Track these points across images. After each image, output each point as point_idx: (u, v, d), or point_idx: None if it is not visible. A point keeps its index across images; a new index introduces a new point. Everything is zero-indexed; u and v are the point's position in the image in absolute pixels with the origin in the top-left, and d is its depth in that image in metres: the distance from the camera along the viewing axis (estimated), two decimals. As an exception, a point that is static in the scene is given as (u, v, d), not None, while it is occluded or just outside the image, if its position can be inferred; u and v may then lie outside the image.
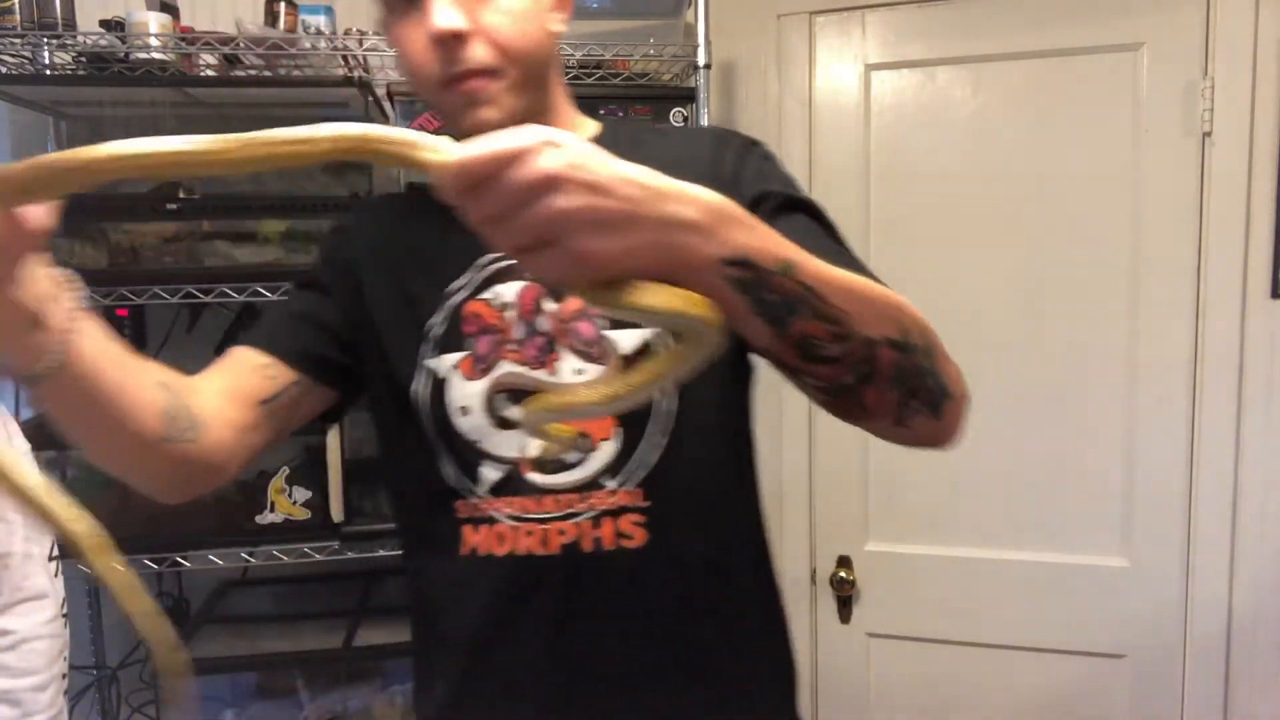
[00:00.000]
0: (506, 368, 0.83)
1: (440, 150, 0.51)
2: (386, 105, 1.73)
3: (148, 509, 1.61)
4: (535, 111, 0.85)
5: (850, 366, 0.63)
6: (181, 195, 1.55)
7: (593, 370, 0.82)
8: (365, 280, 0.90)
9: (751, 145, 0.90)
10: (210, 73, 1.71)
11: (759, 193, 0.83)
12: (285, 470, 1.61)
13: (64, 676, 1.15)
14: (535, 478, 0.82)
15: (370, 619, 1.76)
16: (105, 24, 1.62)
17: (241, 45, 1.61)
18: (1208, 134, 1.65)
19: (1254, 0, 1.60)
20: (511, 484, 0.82)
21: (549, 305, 0.83)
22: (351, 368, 0.90)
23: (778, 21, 1.87)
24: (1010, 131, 1.76)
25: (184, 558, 1.61)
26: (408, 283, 0.88)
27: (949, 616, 1.84)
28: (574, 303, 0.83)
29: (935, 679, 1.87)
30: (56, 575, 1.16)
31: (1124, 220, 1.71)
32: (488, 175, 0.49)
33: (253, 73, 1.69)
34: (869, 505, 1.88)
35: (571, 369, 0.82)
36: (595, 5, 1.81)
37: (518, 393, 0.82)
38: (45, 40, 1.61)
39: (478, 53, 0.80)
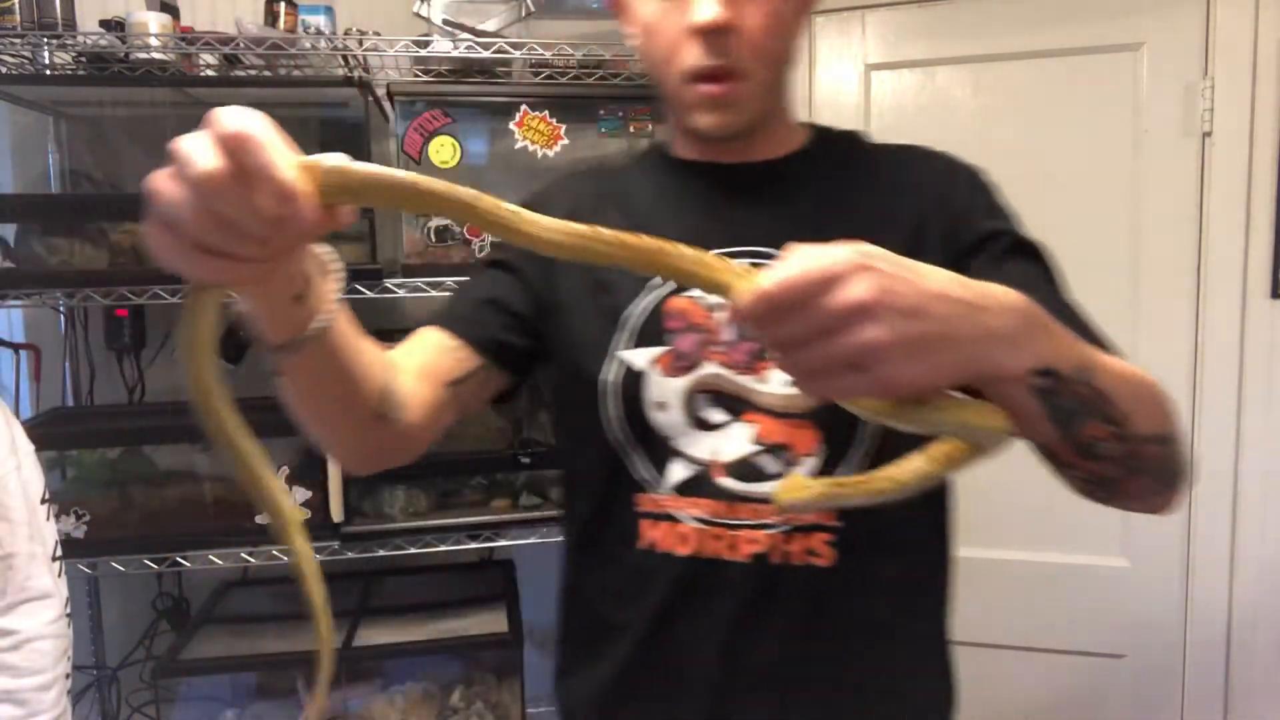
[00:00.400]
0: (710, 369, 0.81)
1: (740, 274, 0.51)
2: (386, 105, 1.74)
3: (148, 509, 1.61)
4: (767, 117, 0.85)
5: (1121, 463, 0.63)
6: (181, 195, 1.55)
7: None
8: (557, 261, 0.89)
9: (978, 178, 0.89)
10: (210, 73, 1.71)
11: (991, 231, 0.82)
12: (285, 470, 1.61)
13: (68, 676, 1.15)
14: (729, 483, 0.80)
15: (370, 619, 1.76)
16: (105, 24, 1.62)
17: (241, 45, 1.61)
18: (1208, 134, 1.65)
19: (1254, 0, 1.60)
20: (700, 485, 0.81)
21: None
22: (532, 352, 0.89)
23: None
24: (1010, 131, 1.76)
25: (184, 558, 1.61)
26: (604, 269, 0.85)
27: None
28: None
29: (935, 679, 1.87)
30: (60, 575, 1.16)
31: (1124, 220, 1.71)
32: (794, 303, 0.48)
33: (253, 73, 1.69)
34: (869, 505, 1.88)
35: (782, 378, 0.80)
36: (595, 5, 1.82)
37: (718, 394, 0.81)
38: (45, 40, 1.61)
39: (735, 50, 0.78)
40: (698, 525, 0.81)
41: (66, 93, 1.74)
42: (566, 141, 1.64)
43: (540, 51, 1.69)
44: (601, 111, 1.70)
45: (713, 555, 0.80)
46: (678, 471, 0.82)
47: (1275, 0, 1.60)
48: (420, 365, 0.82)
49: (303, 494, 1.62)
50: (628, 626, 0.85)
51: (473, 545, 1.72)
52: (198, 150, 0.43)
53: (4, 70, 1.64)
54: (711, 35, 0.77)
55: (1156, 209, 1.69)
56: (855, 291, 0.48)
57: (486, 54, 1.67)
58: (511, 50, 1.68)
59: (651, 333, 0.83)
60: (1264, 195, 1.63)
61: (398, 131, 1.63)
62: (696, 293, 0.83)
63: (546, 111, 1.64)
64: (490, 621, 1.74)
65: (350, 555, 1.66)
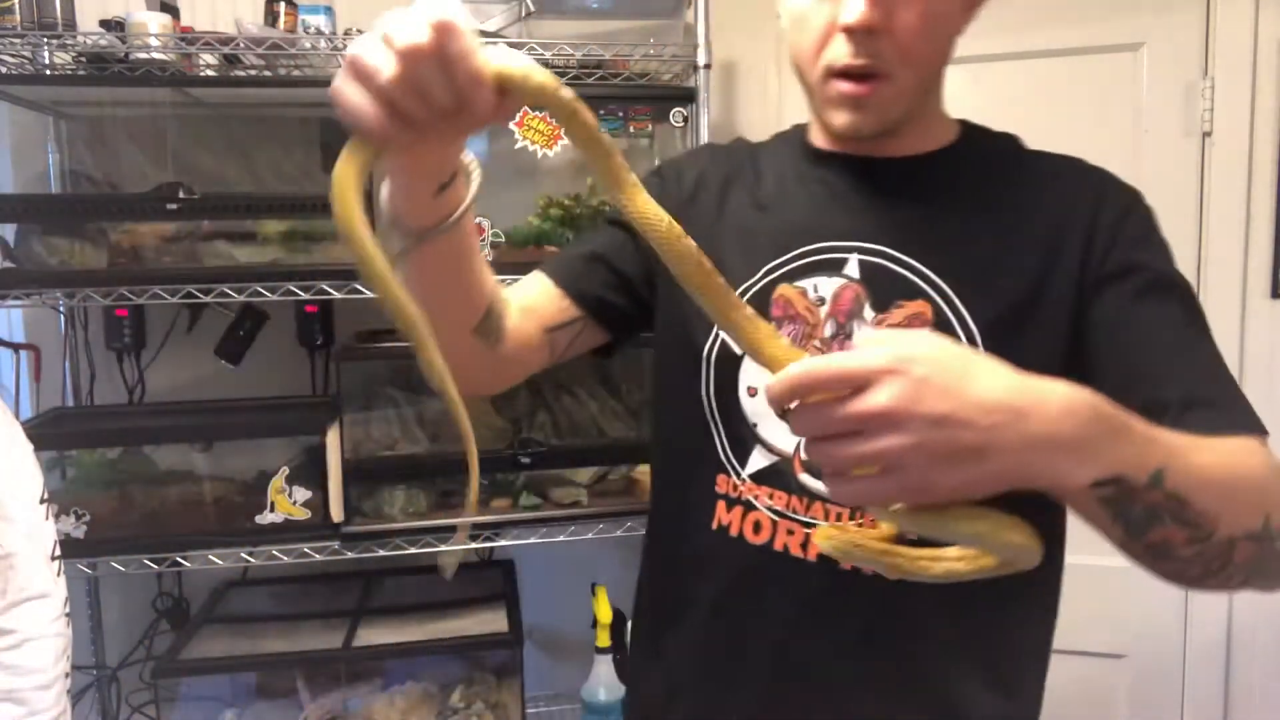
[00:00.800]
0: None
1: (786, 351, 0.54)
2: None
3: (148, 509, 1.61)
4: (910, 119, 0.82)
5: (1200, 564, 0.60)
6: (181, 195, 1.55)
7: None
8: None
9: (1134, 202, 0.84)
10: (210, 73, 1.71)
11: (1132, 262, 0.78)
12: (285, 470, 1.60)
13: (67, 675, 1.15)
14: (807, 479, 0.79)
15: (370, 619, 1.76)
16: (105, 24, 1.62)
17: (241, 45, 1.61)
18: (1208, 134, 1.65)
19: (1254, 0, 1.60)
20: (776, 476, 0.80)
21: (868, 312, 0.79)
22: (633, 315, 0.90)
23: (778, 21, 1.86)
24: (1010, 131, 1.76)
25: (184, 558, 1.61)
26: (721, 246, 0.85)
27: (949, 616, 1.84)
28: (894, 315, 0.78)
29: (935, 679, 1.87)
30: (59, 575, 1.16)
31: (1124, 220, 1.71)
32: (822, 394, 0.49)
33: (253, 73, 1.69)
34: (869, 505, 1.88)
35: None
36: (595, 5, 1.82)
37: None
38: (45, 40, 1.61)
39: (882, 51, 0.76)
40: (771, 515, 0.80)
41: (66, 93, 1.73)
42: (566, 141, 1.64)
43: (540, 51, 1.68)
44: (601, 111, 1.70)
45: (783, 548, 0.80)
46: (757, 459, 0.81)
47: (1275, 0, 1.60)
48: (524, 304, 0.83)
49: (303, 494, 1.62)
50: (692, 605, 0.85)
51: (473, 545, 1.72)
52: (410, 25, 0.50)
53: (4, 70, 1.64)
54: (860, 34, 0.75)
55: (1157, 209, 1.68)
56: (878, 398, 0.49)
57: (486, 54, 1.67)
58: (511, 50, 1.68)
59: None
60: (1264, 195, 1.63)
61: (398, 131, 1.63)
62: (806, 283, 0.81)
63: (546, 111, 1.64)
64: (490, 621, 1.74)
65: (350, 555, 1.65)
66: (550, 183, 1.73)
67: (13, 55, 1.64)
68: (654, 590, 0.92)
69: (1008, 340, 0.75)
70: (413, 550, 1.67)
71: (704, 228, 0.85)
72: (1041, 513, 0.80)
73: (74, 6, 1.63)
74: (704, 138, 1.67)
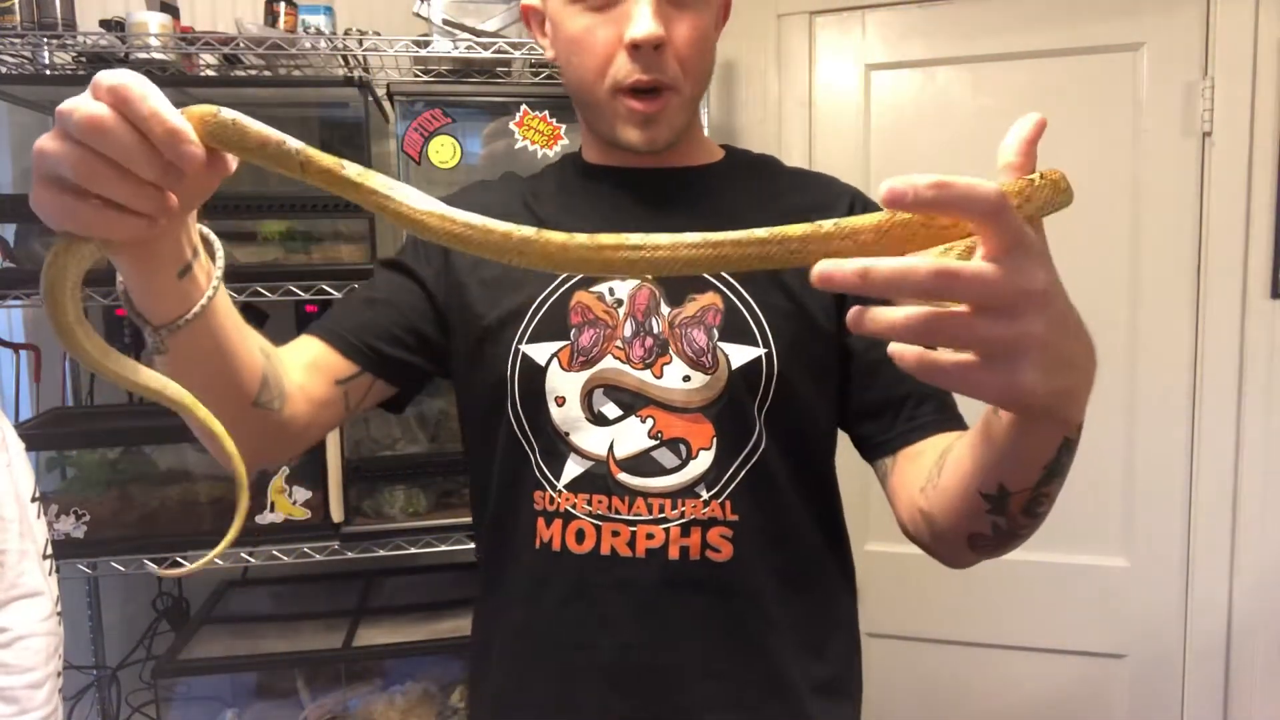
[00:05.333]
0: (610, 364, 0.82)
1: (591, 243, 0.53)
2: (386, 105, 1.73)
3: (147, 509, 1.61)
4: (687, 131, 0.87)
5: (1032, 526, 0.64)
6: (181, 195, 1.55)
7: (698, 378, 0.81)
8: (455, 257, 0.89)
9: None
10: (210, 73, 1.71)
11: None
12: (285, 470, 1.61)
13: (59, 674, 1.15)
14: (625, 478, 0.81)
15: (370, 619, 1.76)
16: (105, 24, 1.62)
17: (241, 45, 1.61)
18: (1208, 134, 1.65)
19: (1254, 0, 1.60)
20: (596, 481, 0.81)
21: (664, 308, 0.82)
22: (418, 367, 0.89)
23: (778, 21, 1.87)
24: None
25: (184, 558, 1.61)
26: (516, 269, 0.87)
27: (949, 616, 1.84)
28: (688, 308, 0.82)
29: (935, 679, 1.87)
30: (50, 573, 1.16)
31: (1124, 220, 1.71)
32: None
33: (253, 73, 1.69)
34: (869, 505, 1.88)
35: (680, 375, 0.81)
36: (595, 5, 1.81)
37: (616, 389, 0.82)
38: (45, 40, 1.61)
39: (666, 66, 0.80)
40: (593, 521, 0.81)
41: (67, 93, 1.73)
42: (566, 141, 1.64)
43: (540, 51, 1.68)
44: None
45: (610, 551, 0.80)
46: (573, 468, 0.82)
47: (1275, 0, 1.60)
48: (309, 360, 0.82)
49: (303, 494, 1.62)
50: (529, 629, 0.85)
51: (473, 545, 1.72)
52: (81, 102, 0.45)
53: (4, 70, 1.64)
54: (647, 50, 0.78)
55: (1156, 209, 1.69)
56: (1039, 275, 0.44)
57: (486, 54, 1.67)
58: (511, 50, 1.67)
59: (555, 327, 0.83)
60: (1264, 195, 1.63)
61: (398, 131, 1.63)
62: (601, 287, 0.83)
63: (546, 111, 1.64)
64: (490, 621, 1.74)
65: (350, 555, 1.66)
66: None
67: (13, 55, 1.64)
68: (486, 620, 0.92)
69: (792, 327, 0.82)
70: (413, 550, 1.67)
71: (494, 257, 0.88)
72: (825, 498, 0.88)
73: (74, 6, 1.63)
74: (704, 138, 1.67)
